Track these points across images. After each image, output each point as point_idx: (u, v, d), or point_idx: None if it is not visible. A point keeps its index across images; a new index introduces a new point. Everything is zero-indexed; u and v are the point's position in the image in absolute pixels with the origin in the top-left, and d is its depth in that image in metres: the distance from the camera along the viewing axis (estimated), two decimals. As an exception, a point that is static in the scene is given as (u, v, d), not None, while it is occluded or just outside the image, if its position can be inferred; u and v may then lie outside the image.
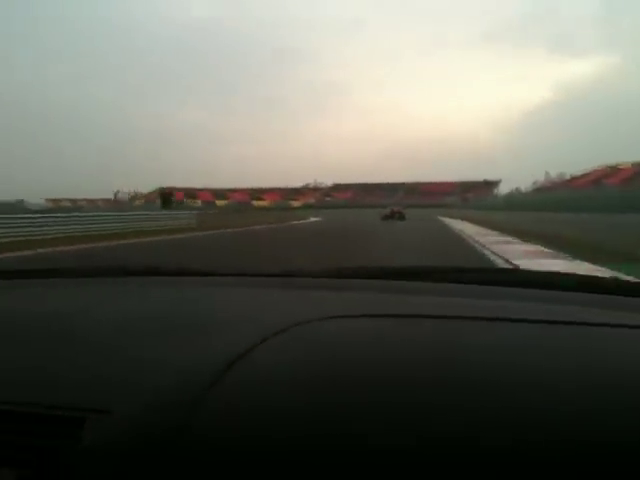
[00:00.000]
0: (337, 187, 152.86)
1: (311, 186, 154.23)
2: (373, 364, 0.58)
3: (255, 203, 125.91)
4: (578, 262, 9.03)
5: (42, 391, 0.60)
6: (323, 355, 0.61)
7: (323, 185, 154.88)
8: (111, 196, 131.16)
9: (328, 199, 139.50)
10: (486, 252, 11.69)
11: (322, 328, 0.69)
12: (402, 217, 38.31)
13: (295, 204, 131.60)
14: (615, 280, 1.07)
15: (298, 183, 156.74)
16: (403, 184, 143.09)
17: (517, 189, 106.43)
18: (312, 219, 42.41)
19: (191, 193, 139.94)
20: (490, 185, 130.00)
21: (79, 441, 0.53)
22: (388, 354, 0.60)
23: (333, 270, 1.08)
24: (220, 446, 0.49)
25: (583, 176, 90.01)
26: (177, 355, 0.63)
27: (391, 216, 38.70)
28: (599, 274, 6.11)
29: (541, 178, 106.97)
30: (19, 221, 18.43)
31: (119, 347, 0.69)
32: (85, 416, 0.55)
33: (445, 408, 0.49)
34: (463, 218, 36.23)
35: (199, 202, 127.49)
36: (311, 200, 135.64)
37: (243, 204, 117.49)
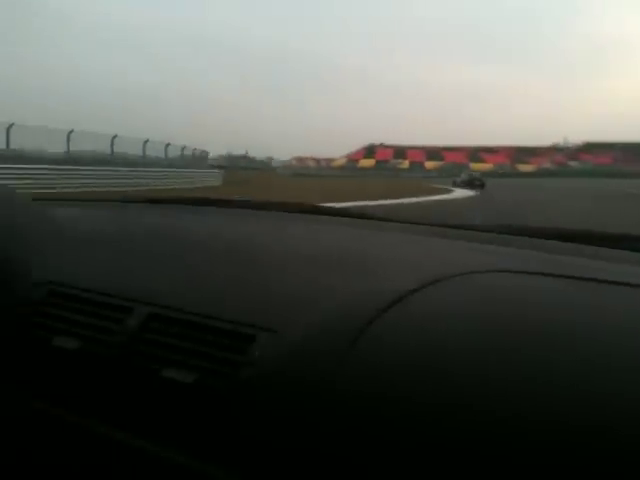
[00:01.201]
0: (590, 147, 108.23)
1: (560, 146, 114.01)
2: (536, 322, 0.55)
3: (472, 165, 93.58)
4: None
5: (222, 307, 0.66)
6: (486, 308, 0.59)
7: (569, 145, 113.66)
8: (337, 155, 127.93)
9: (573, 163, 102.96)
10: None
11: (486, 280, 0.68)
12: None
13: (524, 168, 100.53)
14: None
15: (537, 141, 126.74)
16: None
17: None
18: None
19: (400, 152, 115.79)
20: None
21: (248, 355, 0.59)
22: (552, 314, 0.57)
23: (503, 226, 1.05)
24: (375, 379, 0.51)
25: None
26: (344, 288, 0.65)
27: None
28: None
29: None
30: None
31: (292, 274, 0.73)
32: (256, 333, 0.60)
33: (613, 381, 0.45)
34: None
35: (406, 163, 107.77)
36: (546, 164, 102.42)
37: (457, 165, 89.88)
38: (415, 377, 0.50)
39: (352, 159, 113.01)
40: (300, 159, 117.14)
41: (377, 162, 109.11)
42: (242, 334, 0.61)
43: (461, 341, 0.53)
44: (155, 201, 1.35)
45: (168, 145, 21.73)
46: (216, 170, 25.99)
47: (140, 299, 0.70)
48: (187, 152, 24.56)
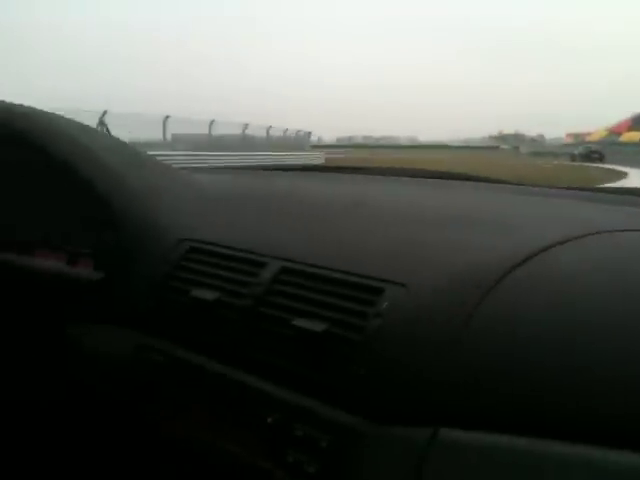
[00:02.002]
0: None
1: None
2: None
3: None
4: None
5: (351, 262, 0.68)
6: (618, 266, 0.58)
7: None
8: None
9: None
10: None
11: (618, 239, 0.67)
12: None
13: None
14: None
15: None
16: None
17: None
18: None
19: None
20: None
21: (376, 307, 0.60)
22: None
23: (630, 189, 1.05)
24: (503, 336, 0.51)
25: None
26: (472, 245, 0.66)
27: None
28: None
29: None
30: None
31: (420, 232, 0.74)
32: (384, 287, 0.62)
33: None
34: None
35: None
36: None
37: None
38: (544, 336, 0.50)
39: (614, 132, 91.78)
40: (575, 135, 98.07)
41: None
42: (371, 287, 0.63)
43: (594, 300, 0.52)
44: (280, 169, 1.43)
45: (270, 128, 21.06)
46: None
47: (273, 254, 0.74)
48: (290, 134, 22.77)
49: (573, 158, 34.79)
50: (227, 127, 18.64)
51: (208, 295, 0.73)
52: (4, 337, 0.97)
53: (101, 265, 0.87)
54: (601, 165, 28.08)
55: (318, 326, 0.61)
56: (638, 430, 0.42)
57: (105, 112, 13.68)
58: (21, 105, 0.97)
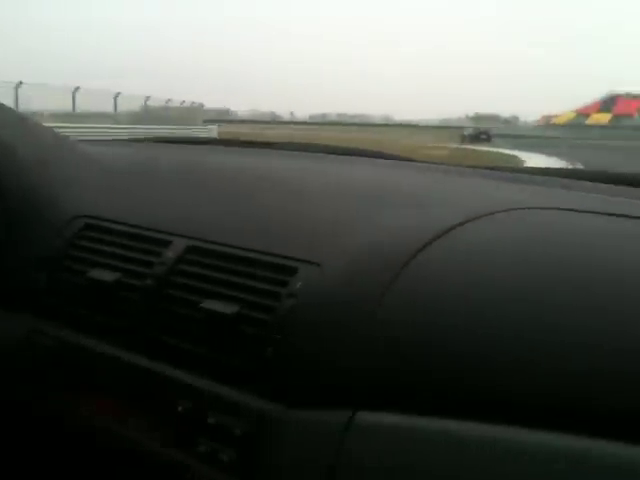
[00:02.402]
0: None
1: None
2: (585, 259, 0.54)
3: None
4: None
5: (262, 241, 0.64)
6: (532, 243, 0.58)
7: None
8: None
9: None
10: None
11: (533, 216, 0.65)
12: None
13: None
14: None
15: None
16: None
17: None
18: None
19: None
20: None
21: (289, 287, 0.58)
22: (602, 251, 0.55)
23: (550, 169, 1.04)
24: (417, 311, 0.52)
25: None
26: (386, 222, 0.64)
27: None
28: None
29: None
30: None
31: (333, 210, 0.71)
32: (298, 266, 0.59)
33: None
34: None
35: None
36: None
37: None
38: (459, 313, 0.50)
39: (582, 113, 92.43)
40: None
41: (614, 117, 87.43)
42: (283, 266, 0.60)
43: (507, 274, 0.53)
44: (176, 141, 1.35)
45: (148, 98, 19.76)
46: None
47: (178, 232, 0.70)
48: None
49: (462, 139, 35.16)
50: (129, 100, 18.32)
51: (106, 276, 0.69)
52: None
53: None
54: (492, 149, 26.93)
55: (229, 308, 0.59)
56: (551, 407, 0.43)
57: (20, 83, 14.35)
58: None
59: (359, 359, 0.51)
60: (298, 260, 0.60)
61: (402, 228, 0.62)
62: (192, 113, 22.96)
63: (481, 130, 37.94)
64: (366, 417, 0.49)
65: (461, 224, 0.60)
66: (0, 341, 0.77)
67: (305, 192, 0.79)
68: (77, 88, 16.18)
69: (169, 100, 20.99)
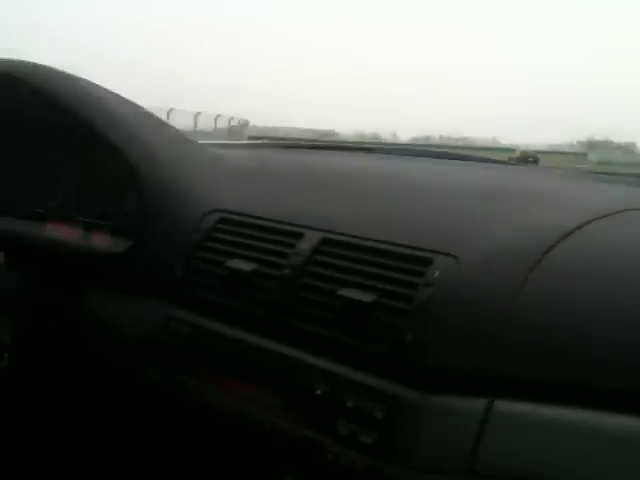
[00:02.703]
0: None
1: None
2: None
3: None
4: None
5: (397, 233, 0.66)
6: None
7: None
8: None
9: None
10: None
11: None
12: None
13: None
14: None
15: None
16: None
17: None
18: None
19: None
20: None
21: (426, 278, 0.59)
22: None
23: None
24: (551, 308, 0.53)
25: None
26: (517, 219, 0.65)
27: None
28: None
29: None
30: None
31: (466, 206, 0.73)
32: (433, 257, 0.61)
33: None
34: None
35: None
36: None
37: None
38: (593, 309, 0.51)
39: None
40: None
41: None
42: (420, 257, 0.62)
43: (634, 272, 0.53)
44: (287, 146, 1.38)
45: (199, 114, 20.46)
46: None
47: (310, 225, 0.71)
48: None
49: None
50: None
51: (244, 266, 0.71)
52: (23, 313, 0.96)
53: (125, 235, 0.84)
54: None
55: (366, 296, 0.61)
56: None
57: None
58: (42, 64, 0.92)
59: (496, 349, 0.52)
60: (433, 251, 0.61)
61: (533, 224, 0.63)
62: (239, 129, 24.87)
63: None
64: (504, 406, 0.50)
65: (588, 222, 0.61)
66: (138, 327, 0.80)
67: (427, 190, 0.81)
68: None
69: (218, 116, 22.29)
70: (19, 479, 0.98)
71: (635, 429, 0.44)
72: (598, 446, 0.45)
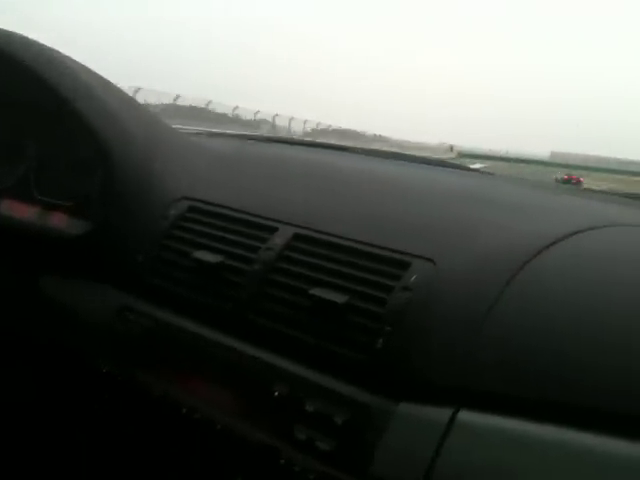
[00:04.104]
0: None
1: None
2: None
3: None
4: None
5: (374, 234, 0.64)
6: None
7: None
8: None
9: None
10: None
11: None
12: None
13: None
14: None
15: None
16: None
17: None
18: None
19: None
20: None
21: (402, 281, 0.58)
22: None
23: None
24: (532, 315, 0.51)
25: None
26: (499, 226, 0.64)
27: None
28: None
29: None
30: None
31: (448, 210, 0.70)
32: (411, 261, 0.59)
33: None
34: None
35: None
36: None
37: None
38: (573, 320, 0.50)
39: None
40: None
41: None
42: (397, 260, 0.60)
43: (619, 284, 0.53)
44: (273, 141, 1.37)
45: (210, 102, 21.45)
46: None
47: (285, 220, 0.69)
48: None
49: None
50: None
51: (211, 257, 0.68)
52: None
53: (85, 218, 0.79)
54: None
55: (339, 297, 0.59)
56: None
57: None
58: (19, 34, 0.84)
59: (468, 359, 0.51)
60: (412, 255, 0.60)
61: (514, 232, 0.62)
62: (258, 123, 25.27)
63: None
64: (468, 416, 0.49)
65: (572, 234, 0.60)
66: (91, 314, 0.76)
67: (409, 194, 0.78)
68: (138, 89, 15.64)
69: (236, 107, 23.33)
70: None
71: (603, 447, 0.43)
72: (562, 462, 0.44)
